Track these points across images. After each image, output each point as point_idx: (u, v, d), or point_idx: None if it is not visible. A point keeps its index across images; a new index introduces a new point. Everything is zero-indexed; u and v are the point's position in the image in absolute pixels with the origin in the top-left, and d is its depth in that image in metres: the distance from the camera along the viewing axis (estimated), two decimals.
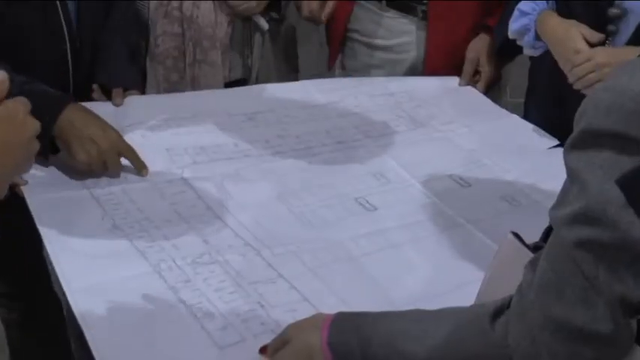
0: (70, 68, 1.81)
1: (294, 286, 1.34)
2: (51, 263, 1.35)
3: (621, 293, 0.76)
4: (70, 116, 1.54)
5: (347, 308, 1.15)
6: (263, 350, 1.20)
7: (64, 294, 1.82)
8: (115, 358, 1.13)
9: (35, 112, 1.40)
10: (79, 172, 1.57)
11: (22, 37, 1.75)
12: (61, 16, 1.76)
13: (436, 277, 1.38)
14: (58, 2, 1.77)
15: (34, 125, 1.00)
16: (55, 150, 1.60)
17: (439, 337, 1.02)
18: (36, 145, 1.01)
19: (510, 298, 0.97)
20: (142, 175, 1.59)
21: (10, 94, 0.98)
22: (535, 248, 1.05)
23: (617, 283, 0.76)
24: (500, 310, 0.98)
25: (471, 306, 1.11)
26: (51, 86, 1.60)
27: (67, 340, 2.17)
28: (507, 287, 1.01)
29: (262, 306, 1.28)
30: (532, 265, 0.94)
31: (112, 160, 1.55)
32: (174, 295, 1.28)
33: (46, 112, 1.49)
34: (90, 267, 1.30)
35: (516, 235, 1.10)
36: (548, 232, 0.98)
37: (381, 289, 1.33)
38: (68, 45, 1.78)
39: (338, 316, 1.13)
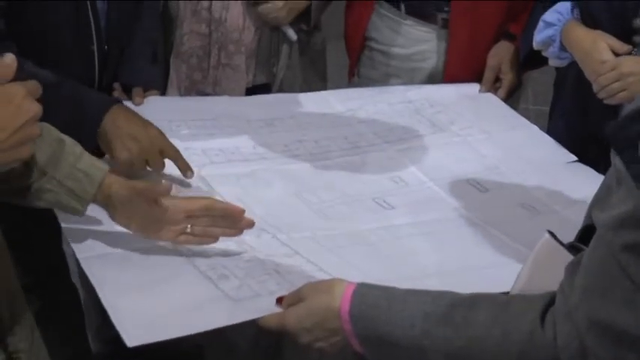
0: (97, 68, 1.85)
1: (311, 260, 1.39)
2: (71, 256, 1.43)
3: None
4: (113, 117, 1.57)
5: (364, 279, 1.17)
6: (279, 300, 1.24)
7: (82, 286, 1.86)
8: (128, 316, 1.17)
9: (80, 115, 1.56)
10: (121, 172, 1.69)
11: (52, 35, 1.77)
12: (91, 16, 1.80)
13: (447, 258, 1.45)
14: (88, 2, 1.79)
15: (32, 109, 1.01)
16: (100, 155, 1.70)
17: (479, 327, 1.01)
18: (34, 130, 1.03)
19: (553, 296, 0.98)
20: (187, 178, 1.58)
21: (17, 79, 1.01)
22: (571, 247, 1.06)
23: None
24: (546, 308, 0.97)
25: (512, 297, 1.10)
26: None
27: (85, 331, 2.21)
28: (546, 284, 1.02)
29: (278, 272, 1.32)
30: (574, 266, 0.95)
31: (153, 157, 1.56)
32: (190, 263, 1.33)
33: (90, 114, 1.59)
34: (106, 239, 1.35)
35: (552, 235, 1.11)
36: (583, 233, 1.02)
37: (395, 266, 1.40)
38: (95, 45, 1.82)
39: (361, 287, 1.13)
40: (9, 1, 1.72)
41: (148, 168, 1.65)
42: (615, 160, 0.82)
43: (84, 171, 1.31)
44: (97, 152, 1.60)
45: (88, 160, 1.31)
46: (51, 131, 1.32)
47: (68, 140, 1.33)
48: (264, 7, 2.06)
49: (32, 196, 1.34)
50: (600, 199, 0.92)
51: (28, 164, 1.29)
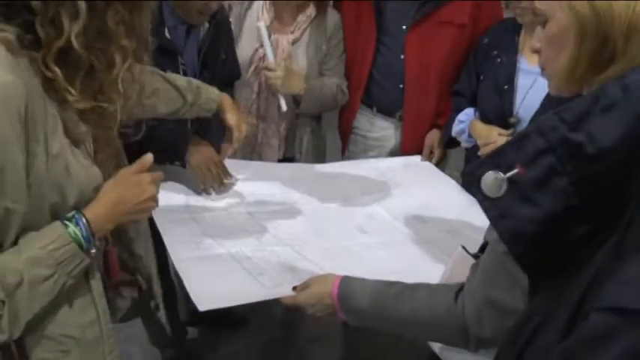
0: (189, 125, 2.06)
1: (315, 263, 1.58)
2: (169, 257, 1.56)
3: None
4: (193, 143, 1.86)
5: (348, 274, 1.33)
6: (294, 288, 1.39)
7: (176, 278, 1.97)
8: (202, 292, 1.38)
9: (170, 144, 1.82)
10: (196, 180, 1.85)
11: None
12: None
13: (400, 262, 1.63)
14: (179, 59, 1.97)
15: (151, 191, 1.18)
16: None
17: (418, 301, 1.14)
18: (151, 204, 1.19)
19: (462, 285, 1.10)
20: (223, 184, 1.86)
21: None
22: (475, 256, 1.20)
23: (524, 278, 0.78)
24: (458, 292, 1.10)
25: (438, 285, 1.23)
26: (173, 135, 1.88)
27: (178, 317, 2.40)
28: (459, 278, 1.17)
29: (293, 270, 1.52)
30: (475, 266, 1.09)
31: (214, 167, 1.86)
32: (239, 263, 1.55)
33: (179, 143, 1.89)
34: (187, 248, 1.58)
35: (464, 248, 1.27)
36: (483, 247, 1.12)
37: (367, 266, 1.58)
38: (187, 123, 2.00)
39: (345, 278, 1.29)
40: None
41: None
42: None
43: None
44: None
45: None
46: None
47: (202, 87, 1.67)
48: (267, 73, 2.17)
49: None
50: (488, 227, 1.03)
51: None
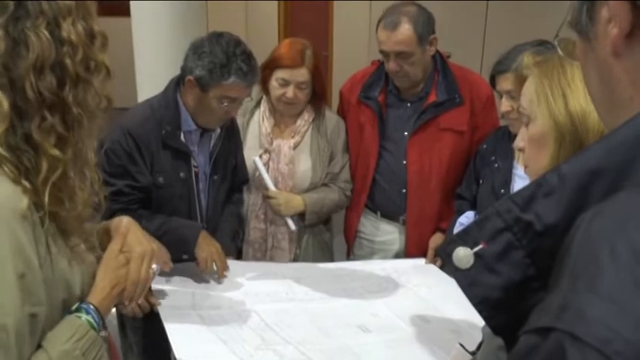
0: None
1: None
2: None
3: None
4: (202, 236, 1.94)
5: None
6: None
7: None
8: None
9: (181, 238, 1.94)
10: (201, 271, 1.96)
11: (167, 209, 2.12)
12: (196, 200, 2.16)
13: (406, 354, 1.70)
14: (196, 195, 2.14)
15: (141, 269, 1.26)
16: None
17: None
18: (144, 280, 1.27)
19: None
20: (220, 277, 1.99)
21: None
22: (472, 353, 1.26)
23: None
24: None
25: None
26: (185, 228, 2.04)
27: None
28: None
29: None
30: None
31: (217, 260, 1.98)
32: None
33: (190, 237, 1.98)
34: (191, 345, 1.65)
35: (462, 345, 1.32)
36: (480, 344, 1.18)
37: None
38: (198, 222, 2.18)
39: None
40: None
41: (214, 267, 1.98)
42: None
43: None
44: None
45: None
46: None
47: None
48: (269, 201, 2.32)
49: None
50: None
51: None
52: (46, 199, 1.02)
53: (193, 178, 2.10)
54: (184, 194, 2.09)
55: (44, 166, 1.02)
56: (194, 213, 2.14)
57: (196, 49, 2.00)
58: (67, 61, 1.03)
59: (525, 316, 0.66)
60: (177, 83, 2.09)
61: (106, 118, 1.13)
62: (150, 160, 2.02)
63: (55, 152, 1.03)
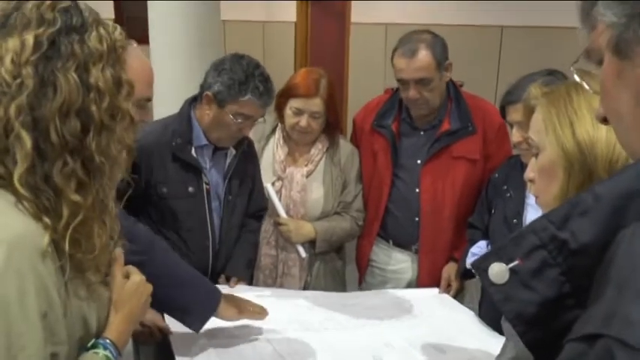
0: (210, 260, 2.21)
1: None
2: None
3: None
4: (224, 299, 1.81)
5: None
6: None
7: None
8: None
9: (201, 301, 1.78)
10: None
11: (176, 230, 2.12)
12: (207, 219, 2.14)
13: None
14: (207, 213, 2.12)
15: (148, 289, 1.29)
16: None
17: None
18: (148, 296, 1.29)
19: None
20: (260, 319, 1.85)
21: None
22: None
23: None
24: None
25: None
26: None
27: None
28: None
29: None
30: None
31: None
32: None
33: (209, 301, 1.82)
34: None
35: None
36: None
37: None
38: (210, 242, 2.17)
39: None
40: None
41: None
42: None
43: None
44: None
45: None
46: None
47: None
48: (280, 228, 2.35)
49: None
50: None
51: None
52: (67, 243, 1.02)
53: (204, 194, 2.11)
54: (193, 210, 2.10)
55: (65, 211, 1.02)
56: (205, 231, 2.15)
57: (217, 67, 2.08)
58: (93, 107, 1.03)
59: (559, 332, 0.69)
60: (193, 100, 2.16)
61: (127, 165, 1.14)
62: (150, 170, 2.06)
63: (76, 198, 1.03)
